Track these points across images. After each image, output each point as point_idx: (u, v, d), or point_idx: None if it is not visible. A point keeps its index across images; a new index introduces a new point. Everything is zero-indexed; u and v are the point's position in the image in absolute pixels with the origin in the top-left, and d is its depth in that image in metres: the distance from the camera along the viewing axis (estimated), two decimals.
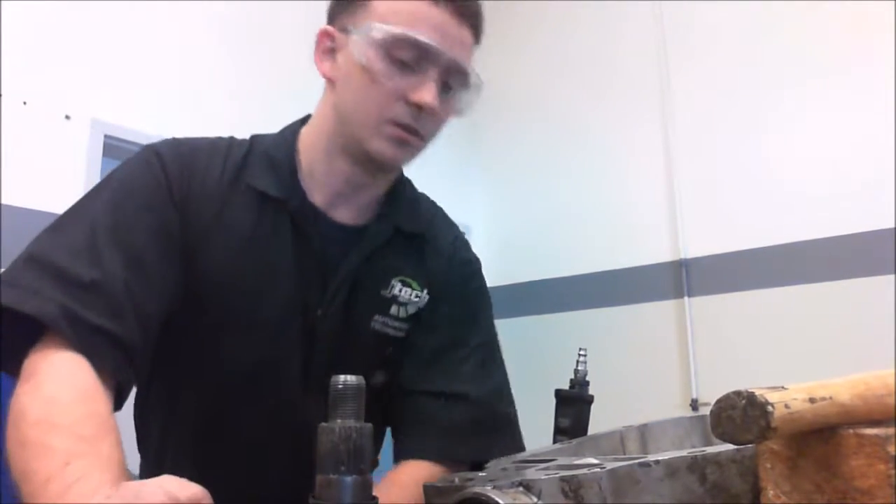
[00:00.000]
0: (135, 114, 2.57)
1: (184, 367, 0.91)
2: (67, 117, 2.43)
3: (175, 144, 0.91)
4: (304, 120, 0.97)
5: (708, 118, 3.31)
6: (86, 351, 0.72)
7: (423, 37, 0.82)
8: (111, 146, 2.47)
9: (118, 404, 0.77)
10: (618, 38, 3.68)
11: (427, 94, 0.83)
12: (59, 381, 0.70)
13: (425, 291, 0.98)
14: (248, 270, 0.88)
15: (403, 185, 1.02)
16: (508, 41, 4.11)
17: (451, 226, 1.09)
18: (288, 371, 0.90)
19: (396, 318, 0.96)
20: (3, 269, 0.77)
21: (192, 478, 0.64)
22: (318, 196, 0.92)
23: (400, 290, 0.96)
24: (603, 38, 3.74)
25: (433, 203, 1.09)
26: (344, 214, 0.94)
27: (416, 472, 0.87)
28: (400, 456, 0.92)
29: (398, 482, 0.86)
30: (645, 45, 3.55)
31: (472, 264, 1.08)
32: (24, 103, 2.33)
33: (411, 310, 0.97)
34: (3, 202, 2.19)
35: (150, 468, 0.95)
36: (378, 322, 0.94)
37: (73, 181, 2.36)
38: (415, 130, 0.86)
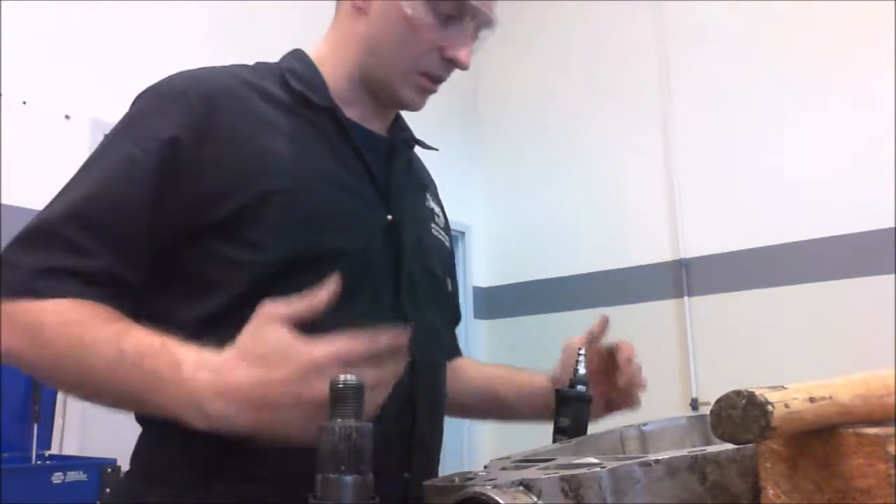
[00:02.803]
0: None
1: (261, 277, 0.79)
2: (67, 117, 2.43)
3: (191, 74, 0.88)
4: (297, 52, 0.95)
5: (708, 118, 3.31)
6: (38, 293, 0.71)
7: None
8: None
9: None
10: (618, 38, 3.68)
11: (464, 52, 0.85)
12: (48, 305, 0.72)
13: (439, 209, 1.02)
14: (314, 171, 0.84)
15: None
16: (510, 41, 4.11)
17: None
18: (380, 264, 0.85)
19: (440, 227, 0.99)
20: None
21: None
22: (347, 112, 0.90)
23: (431, 204, 1.00)
24: (604, 39, 3.74)
25: None
26: (373, 126, 0.94)
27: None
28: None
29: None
30: (645, 46, 3.55)
31: None
32: (24, 103, 2.33)
33: (442, 223, 1.01)
34: (3, 202, 2.19)
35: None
36: (434, 229, 0.97)
37: None
38: (441, 80, 0.89)
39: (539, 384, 1.03)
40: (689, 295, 3.23)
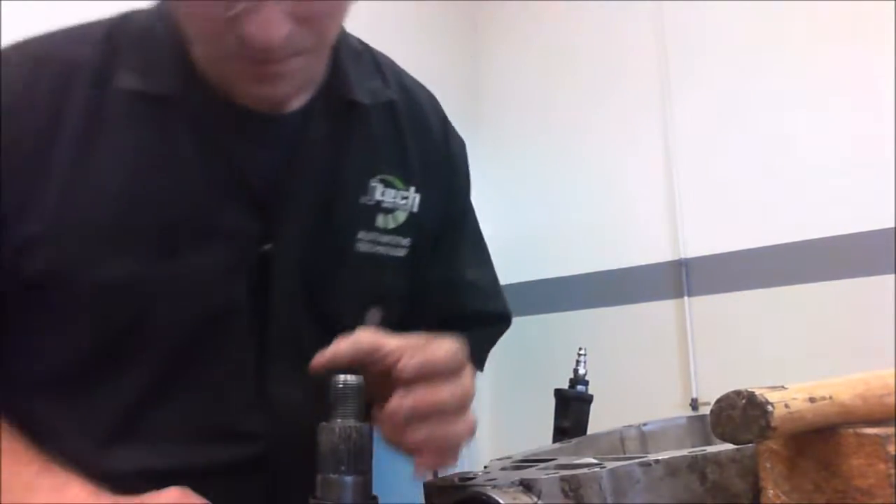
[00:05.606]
0: None
1: (83, 356, 0.61)
2: None
3: (20, 53, 0.66)
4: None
5: (708, 118, 3.31)
6: None
7: None
8: None
9: None
10: (618, 37, 3.68)
11: (257, 26, 0.51)
12: None
13: (412, 189, 0.72)
14: (146, 204, 0.60)
15: (343, 44, 0.69)
16: (509, 39, 4.11)
17: (423, 87, 0.79)
18: (237, 332, 0.63)
19: (386, 230, 0.70)
20: None
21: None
22: (220, 82, 0.61)
23: (383, 194, 0.69)
24: (604, 38, 3.74)
25: (389, 59, 0.77)
26: (266, 103, 0.63)
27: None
28: None
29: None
30: (646, 45, 3.55)
31: (464, 147, 0.86)
32: None
33: (401, 217, 0.71)
34: None
35: None
36: (364, 242, 0.68)
37: None
38: (279, 58, 0.55)
39: None
40: (689, 295, 3.23)
